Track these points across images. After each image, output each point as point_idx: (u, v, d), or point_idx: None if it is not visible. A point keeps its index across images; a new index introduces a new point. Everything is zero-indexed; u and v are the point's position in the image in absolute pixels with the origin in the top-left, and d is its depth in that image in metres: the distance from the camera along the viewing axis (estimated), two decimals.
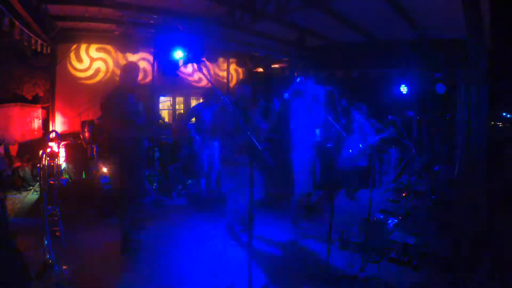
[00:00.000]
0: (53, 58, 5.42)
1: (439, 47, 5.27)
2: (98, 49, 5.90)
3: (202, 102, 4.94)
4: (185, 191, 4.89)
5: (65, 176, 4.68)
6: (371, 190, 3.25)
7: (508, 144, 5.97)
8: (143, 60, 6.39)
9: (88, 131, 4.95)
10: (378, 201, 4.71)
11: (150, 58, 6.32)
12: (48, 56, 5.34)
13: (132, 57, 6.16)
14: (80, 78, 5.78)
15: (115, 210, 3.56)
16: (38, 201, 4.19)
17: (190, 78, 7.20)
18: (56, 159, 2.94)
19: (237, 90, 3.28)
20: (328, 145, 3.21)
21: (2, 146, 5.00)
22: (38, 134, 5.93)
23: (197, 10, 4.71)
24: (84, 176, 4.74)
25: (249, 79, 3.26)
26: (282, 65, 7.46)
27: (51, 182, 2.81)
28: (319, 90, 3.52)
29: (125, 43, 5.03)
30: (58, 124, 5.59)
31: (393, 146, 5.70)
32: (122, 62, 6.12)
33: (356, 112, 4.52)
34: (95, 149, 4.42)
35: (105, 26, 5.09)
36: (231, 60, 7.71)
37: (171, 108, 7.63)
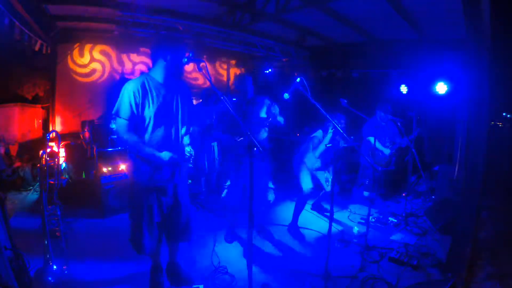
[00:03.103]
0: (53, 58, 5.41)
1: (439, 47, 5.27)
2: (98, 49, 5.90)
3: (201, 102, 4.93)
4: None
5: (65, 176, 4.67)
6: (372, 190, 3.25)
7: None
8: (144, 56, 6.38)
9: (88, 131, 4.96)
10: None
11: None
12: (48, 56, 5.32)
13: (134, 56, 6.16)
14: (80, 78, 5.77)
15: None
16: (38, 201, 4.18)
17: (192, 81, 7.19)
18: (56, 159, 2.94)
19: (236, 83, 3.16)
20: (339, 147, 3.15)
21: (2, 146, 5.00)
22: (38, 134, 5.93)
23: (197, 10, 4.72)
24: (84, 176, 4.73)
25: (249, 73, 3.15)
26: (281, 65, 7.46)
27: (51, 182, 2.81)
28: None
29: (125, 43, 5.03)
30: (58, 124, 5.59)
31: None
32: (122, 62, 6.13)
33: (381, 112, 4.29)
34: (95, 149, 4.43)
35: (105, 26, 5.09)
36: (231, 60, 7.71)
37: None
